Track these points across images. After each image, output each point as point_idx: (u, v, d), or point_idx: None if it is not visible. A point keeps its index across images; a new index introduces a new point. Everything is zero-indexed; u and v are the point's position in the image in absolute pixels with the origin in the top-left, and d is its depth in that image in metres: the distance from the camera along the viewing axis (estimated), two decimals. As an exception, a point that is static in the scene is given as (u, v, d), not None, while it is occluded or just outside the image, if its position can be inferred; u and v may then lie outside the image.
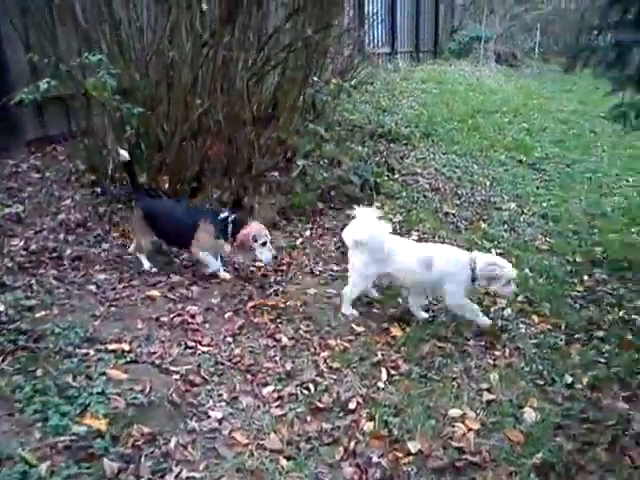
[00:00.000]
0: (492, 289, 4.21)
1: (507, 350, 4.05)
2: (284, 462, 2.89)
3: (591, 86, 14.85)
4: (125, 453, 2.74)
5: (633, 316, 4.63)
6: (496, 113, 11.51)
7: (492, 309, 4.50)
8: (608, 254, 5.72)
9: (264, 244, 4.38)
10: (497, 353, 3.98)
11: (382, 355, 3.85)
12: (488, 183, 7.59)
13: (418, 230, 5.86)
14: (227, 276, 4.66)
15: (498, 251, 5.46)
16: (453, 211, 6.55)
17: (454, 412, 3.36)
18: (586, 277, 5.27)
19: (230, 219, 4.45)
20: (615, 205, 7.12)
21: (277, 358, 3.73)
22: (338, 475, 2.86)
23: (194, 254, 4.60)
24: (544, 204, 7.05)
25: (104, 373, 3.27)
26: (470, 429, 3.23)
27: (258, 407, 3.28)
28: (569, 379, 3.78)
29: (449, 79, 14.83)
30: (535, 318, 4.45)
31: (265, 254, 4.44)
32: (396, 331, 4.14)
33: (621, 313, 4.67)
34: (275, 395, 3.39)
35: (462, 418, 3.32)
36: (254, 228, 4.39)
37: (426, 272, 4.12)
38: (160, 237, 4.68)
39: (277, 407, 3.30)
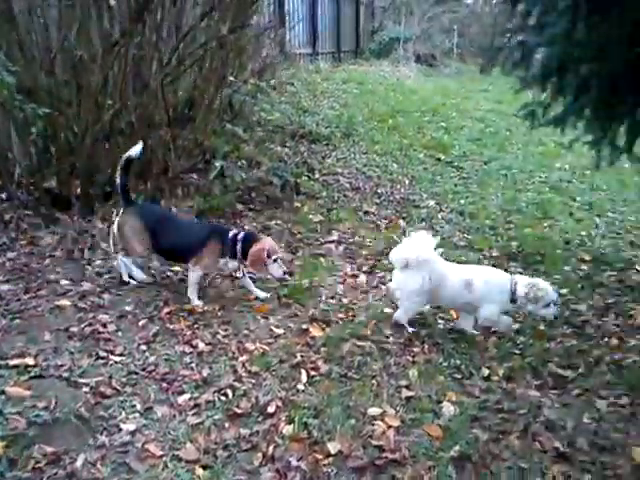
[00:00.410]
0: (531, 310, 4.19)
1: (426, 346, 4.09)
2: (200, 471, 2.79)
3: (506, 86, 15.34)
4: (24, 477, 2.57)
5: (544, 307, 4.78)
6: (415, 113, 11.72)
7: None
8: (523, 248, 5.89)
9: (276, 260, 4.21)
10: (416, 349, 4.01)
11: (302, 357, 3.80)
12: (407, 182, 7.69)
13: (338, 230, 5.85)
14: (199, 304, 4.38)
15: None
16: (373, 210, 6.60)
17: (374, 410, 3.35)
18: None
19: (239, 237, 4.24)
20: (529, 201, 7.36)
21: (193, 365, 3.62)
22: (256, 482, 2.79)
23: (191, 271, 4.34)
24: (462, 201, 7.21)
25: (3, 392, 3.07)
26: (390, 426, 3.23)
27: (174, 416, 3.17)
28: (486, 372, 3.85)
29: (370, 79, 15.02)
30: (453, 313, 4.51)
31: (277, 270, 4.27)
32: (316, 331, 4.10)
33: (534, 305, 4.81)
34: (191, 403, 3.28)
35: (382, 416, 3.31)
36: (267, 244, 4.21)
37: (467, 293, 4.15)
38: (158, 251, 4.47)
39: (194, 415, 3.19)
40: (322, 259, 5.27)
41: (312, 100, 11.28)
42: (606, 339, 4.33)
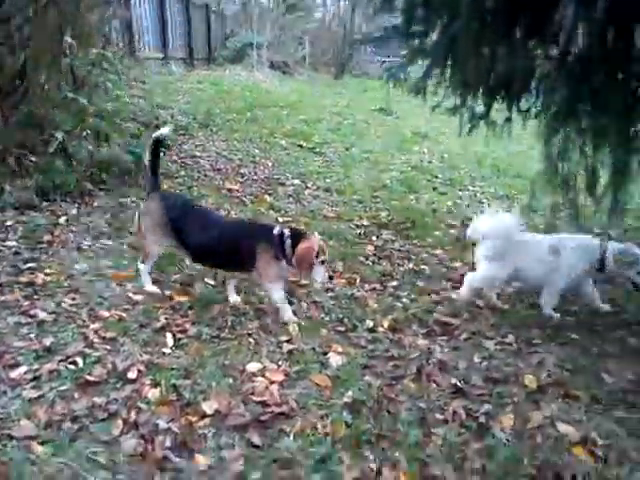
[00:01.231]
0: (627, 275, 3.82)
1: (304, 304, 3.77)
2: (39, 449, 2.22)
3: (359, 89, 15.80)
4: None
5: (421, 267, 4.69)
6: (274, 107, 11.55)
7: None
8: (393, 217, 5.83)
9: (323, 262, 3.48)
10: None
11: (166, 320, 3.30)
12: (270, 164, 7.40)
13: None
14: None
15: (286, 219, 5.25)
16: (237, 187, 6.21)
17: (253, 366, 2.96)
18: (375, 238, 5.26)
19: (286, 234, 3.44)
20: (393, 178, 7.37)
21: (32, 335, 2.99)
22: (116, 451, 2.27)
23: (268, 289, 3.56)
24: (327, 180, 7.05)
25: None
26: (273, 382, 2.85)
27: (4, 392, 2.54)
28: (370, 324, 3.61)
29: (225, 82, 14.67)
30: (329, 274, 4.23)
31: (323, 274, 3.50)
32: (180, 297, 3.61)
33: (411, 265, 4.71)
34: (29, 376, 2.67)
35: (262, 372, 2.93)
36: (315, 242, 3.44)
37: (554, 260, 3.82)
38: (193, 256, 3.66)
39: (32, 389, 2.59)
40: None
41: (166, 96, 10.66)
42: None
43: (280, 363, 3.02)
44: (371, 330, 3.54)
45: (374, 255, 4.86)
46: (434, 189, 7.08)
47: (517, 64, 4.99)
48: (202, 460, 2.31)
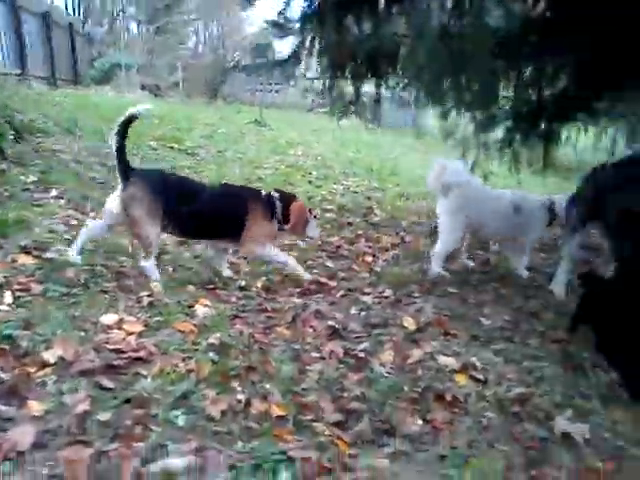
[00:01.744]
0: None
1: (169, 268, 3.47)
2: None
3: (232, 110, 15.74)
4: None
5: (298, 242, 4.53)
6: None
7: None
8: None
9: (315, 217, 3.66)
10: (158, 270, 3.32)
11: (5, 278, 2.86)
12: (138, 160, 6.98)
13: (59, 188, 4.92)
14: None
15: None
16: (98, 176, 5.75)
17: (108, 318, 2.61)
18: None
19: (276, 196, 3.47)
20: (268, 175, 7.24)
21: None
22: None
23: (251, 252, 3.48)
24: (200, 175, 6.75)
25: None
26: (131, 333, 2.53)
27: None
28: (242, 283, 3.36)
29: (91, 99, 13.91)
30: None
31: (315, 230, 3.67)
32: (25, 259, 3.16)
33: (287, 241, 4.52)
34: None
35: (119, 324, 2.59)
36: (302, 201, 3.59)
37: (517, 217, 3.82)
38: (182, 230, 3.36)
39: None
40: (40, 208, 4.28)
41: (25, 104, 9.86)
42: (360, 258, 4.20)
43: (140, 315, 2.69)
44: (243, 289, 3.30)
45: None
46: (309, 182, 7.02)
47: (383, 41, 5.08)
48: (37, 406, 1.93)
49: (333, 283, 3.61)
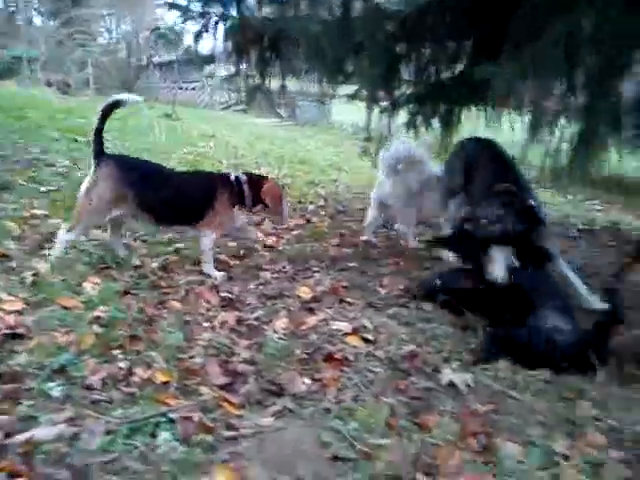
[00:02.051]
0: None
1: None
2: None
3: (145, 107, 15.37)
4: None
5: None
6: (49, 110, 10.61)
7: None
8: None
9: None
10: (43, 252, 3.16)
11: None
12: (38, 150, 6.69)
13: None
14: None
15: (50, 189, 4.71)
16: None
17: (-19, 298, 2.45)
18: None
19: (243, 179, 3.33)
20: (174, 164, 7.10)
21: None
22: None
23: (204, 236, 3.27)
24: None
25: None
26: (10, 312, 2.37)
27: None
28: (136, 262, 3.25)
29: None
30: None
31: (287, 209, 3.56)
32: None
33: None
34: None
35: (-6, 303, 2.43)
36: (273, 182, 3.48)
37: None
38: (145, 209, 3.18)
39: None
40: None
41: None
42: (264, 239, 4.15)
43: (21, 295, 2.55)
44: (137, 267, 3.19)
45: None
46: (219, 170, 6.93)
47: (287, 24, 5.07)
48: None
49: (234, 262, 3.56)
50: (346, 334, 2.51)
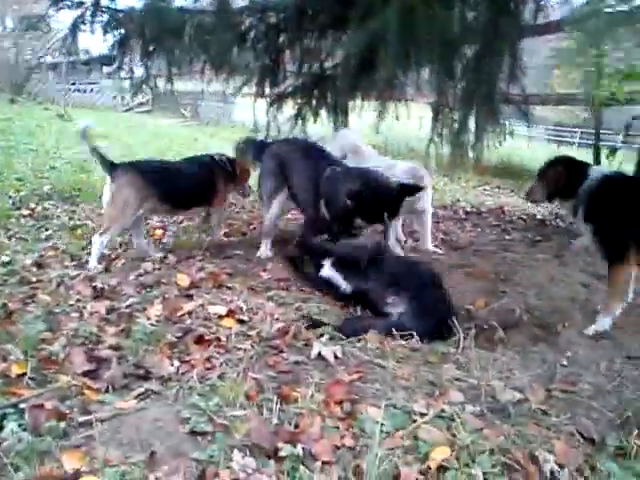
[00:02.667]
0: None
1: None
2: None
3: (36, 108, 14.74)
4: None
5: (82, 222, 4.29)
6: None
7: None
8: (57, 188, 5.33)
9: None
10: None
11: None
12: None
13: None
14: None
15: None
16: None
17: None
18: (34, 204, 4.70)
19: (224, 160, 3.82)
20: (61, 163, 6.86)
21: None
22: None
23: (214, 220, 3.86)
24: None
25: None
26: None
27: None
28: (6, 258, 3.13)
29: None
30: None
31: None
32: None
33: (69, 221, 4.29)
34: None
35: None
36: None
37: None
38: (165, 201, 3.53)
39: None
40: None
41: None
42: (151, 232, 4.09)
43: None
44: (7, 264, 3.05)
45: (30, 216, 4.35)
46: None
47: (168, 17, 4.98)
48: None
49: (116, 253, 3.47)
50: (221, 317, 2.49)
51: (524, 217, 5.56)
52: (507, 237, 4.71)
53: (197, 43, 4.90)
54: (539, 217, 5.77)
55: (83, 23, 4.94)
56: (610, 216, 2.67)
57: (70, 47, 5.11)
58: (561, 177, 2.82)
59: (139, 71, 5.38)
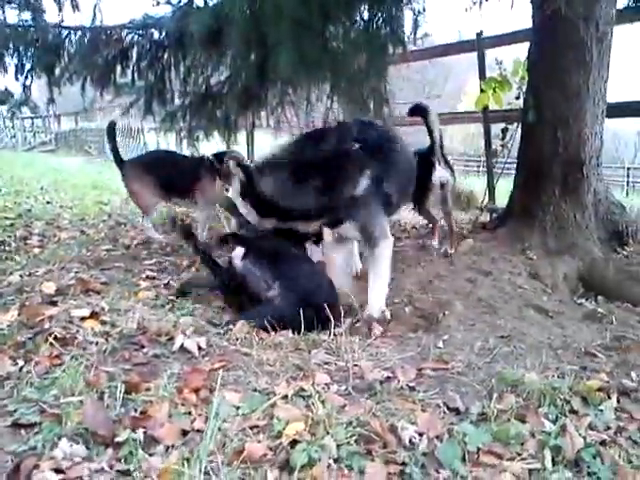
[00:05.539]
0: None
1: None
2: None
3: None
4: None
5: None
6: None
7: None
8: None
9: None
10: None
11: None
12: None
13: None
14: None
15: None
16: None
17: None
18: None
19: (211, 158, 4.40)
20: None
21: None
22: None
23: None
24: None
25: None
26: None
27: None
28: None
29: None
30: None
31: None
32: None
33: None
34: None
35: None
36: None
37: None
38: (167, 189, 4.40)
39: None
40: None
41: None
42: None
43: None
44: None
45: None
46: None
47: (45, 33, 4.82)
48: None
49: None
50: (84, 319, 2.33)
51: (417, 227, 5.67)
52: (399, 244, 4.77)
53: (77, 60, 4.76)
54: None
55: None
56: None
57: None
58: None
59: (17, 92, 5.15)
